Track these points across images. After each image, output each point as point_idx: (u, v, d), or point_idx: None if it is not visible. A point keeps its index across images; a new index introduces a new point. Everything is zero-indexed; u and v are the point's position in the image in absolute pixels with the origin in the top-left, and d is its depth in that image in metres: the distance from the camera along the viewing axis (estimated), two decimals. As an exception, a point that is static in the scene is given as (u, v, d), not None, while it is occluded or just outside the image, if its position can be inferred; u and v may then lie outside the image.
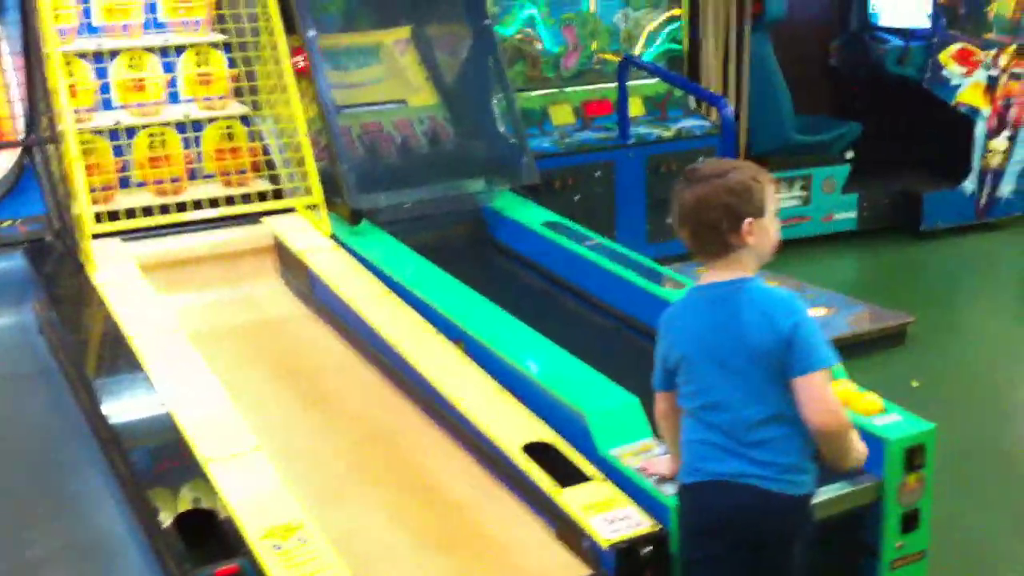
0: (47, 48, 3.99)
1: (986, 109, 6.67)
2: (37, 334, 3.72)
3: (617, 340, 3.80)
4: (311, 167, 4.25)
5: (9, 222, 4.22)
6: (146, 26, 4.72)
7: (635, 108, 5.93)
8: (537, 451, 2.83)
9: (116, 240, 4.09)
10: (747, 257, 2.29)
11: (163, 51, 4.67)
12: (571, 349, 3.29)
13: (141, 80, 4.62)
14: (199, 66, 4.74)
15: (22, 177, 4.30)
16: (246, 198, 4.46)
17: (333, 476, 2.94)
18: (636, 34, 6.06)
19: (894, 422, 2.98)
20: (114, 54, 4.58)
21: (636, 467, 2.74)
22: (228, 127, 4.67)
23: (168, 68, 4.69)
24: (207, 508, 2.57)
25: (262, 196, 4.42)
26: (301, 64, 4.56)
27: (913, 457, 2.92)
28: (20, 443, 3.12)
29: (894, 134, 7.04)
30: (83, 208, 3.87)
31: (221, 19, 4.71)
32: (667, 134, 5.84)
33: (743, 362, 2.23)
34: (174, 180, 4.49)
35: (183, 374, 3.14)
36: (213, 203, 4.35)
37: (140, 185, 4.49)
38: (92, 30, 4.61)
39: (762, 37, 6.30)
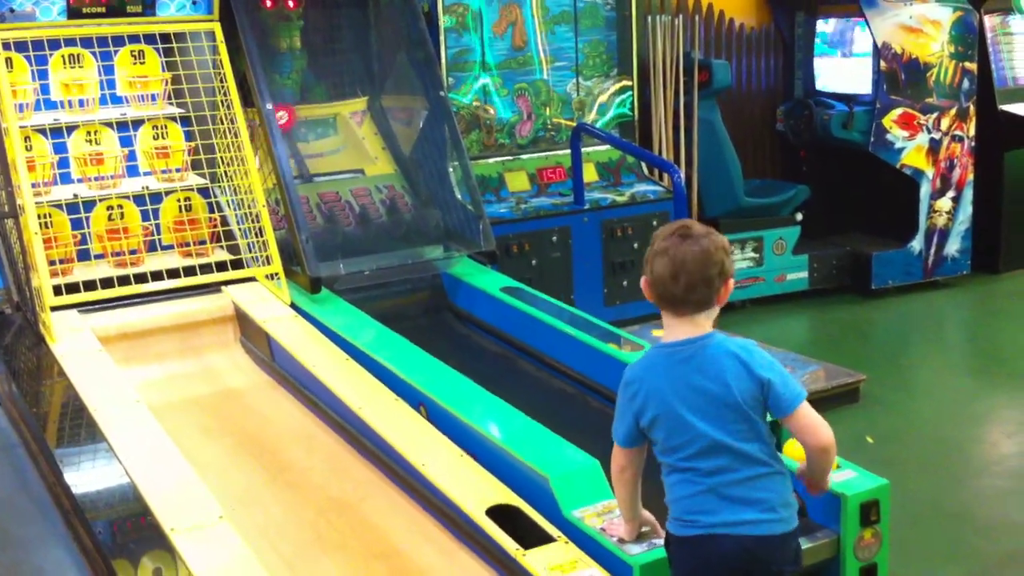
0: (5, 123, 4.02)
1: (930, 171, 6.86)
2: (-3, 408, 3.71)
3: (576, 403, 3.85)
4: (270, 236, 4.29)
5: (-36, 295, 4.21)
6: (103, 101, 4.77)
7: (589, 174, 6.03)
8: (501, 514, 2.86)
9: (74, 312, 4.09)
10: (713, 314, 2.41)
11: (121, 125, 4.71)
12: (530, 412, 3.33)
13: (99, 154, 4.65)
14: (156, 139, 4.79)
15: (-21, 250, 4.30)
16: (206, 268, 4.48)
17: (298, 545, 2.95)
18: (588, 102, 6.19)
19: (849, 478, 3.05)
20: (72, 128, 4.61)
21: (598, 528, 2.78)
22: (186, 199, 4.71)
23: (127, 142, 4.72)
24: (171, 580, 2.57)
25: (222, 266, 4.44)
26: (285, 119, 4.64)
27: (869, 512, 2.99)
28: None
29: (842, 196, 7.20)
30: (42, 281, 3.88)
31: (178, 93, 4.77)
32: (621, 199, 5.95)
33: (726, 409, 2.34)
34: (132, 252, 4.50)
35: (145, 445, 3.14)
36: (172, 274, 4.37)
37: (99, 257, 4.50)
38: (49, 105, 4.65)
39: (710, 104, 6.45)
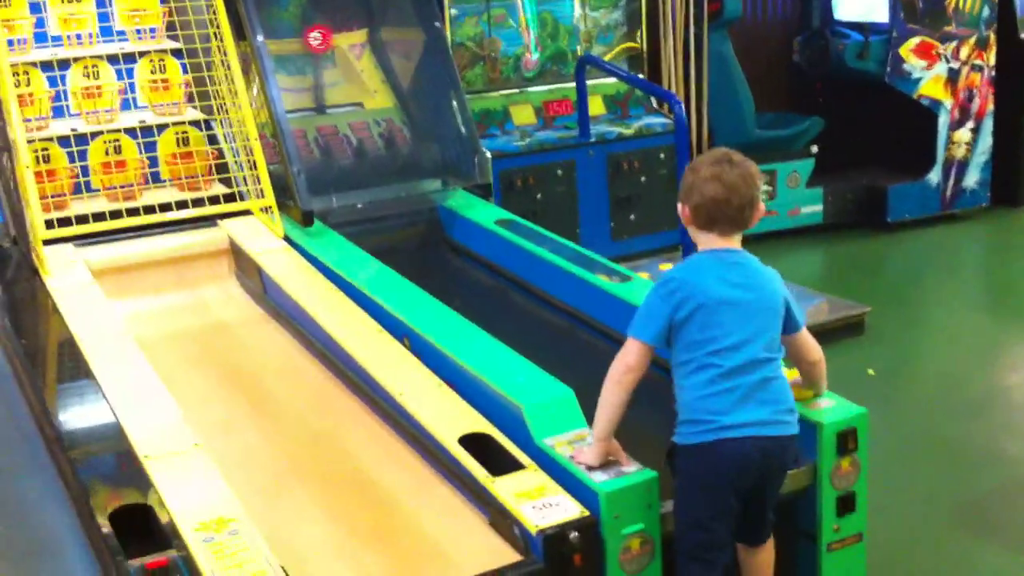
0: (-1, 59, 4.04)
1: (948, 101, 6.73)
2: (-8, 339, 3.75)
3: (563, 335, 3.84)
4: (262, 170, 4.28)
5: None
6: (104, 34, 4.77)
7: (596, 107, 5.97)
8: (473, 442, 2.87)
9: (69, 246, 4.12)
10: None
11: (119, 59, 4.71)
12: (516, 344, 3.33)
13: (96, 88, 4.65)
14: (154, 73, 4.78)
15: (-23, 185, 4.33)
16: (202, 202, 4.49)
17: (273, 473, 2.98)
18: (595, 33, 6.10)
19: (827, 407, 3.02)
20: (67, 63, 4.61)
21: (567, 455, 2.78)
22: (183, 132, 4.70)
23: (125, 76, 4.72)
24: (143, 503, 2.61)
25: (218, 200, 4.45)
26: (319, 41, 4.65)
27: (846, 441, 2.97)
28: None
29: (858, 129, 7.09)
30: (34, 215, 3.91)
31: (176, 26, 4.75)
32: (628, 132, 5.88)
33: (761, 311, 2.56)
34: (129, 186, 4.52)
35: (129, 377, 3.17)
36: (168, 207, 4.39)
37: (96, 191, 4.52)
38: (48, 39, 4.65)
39: (721, 35, 6.34)
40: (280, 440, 3.15)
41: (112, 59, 4.69)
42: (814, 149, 6.71)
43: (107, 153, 4.57)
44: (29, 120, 4.46)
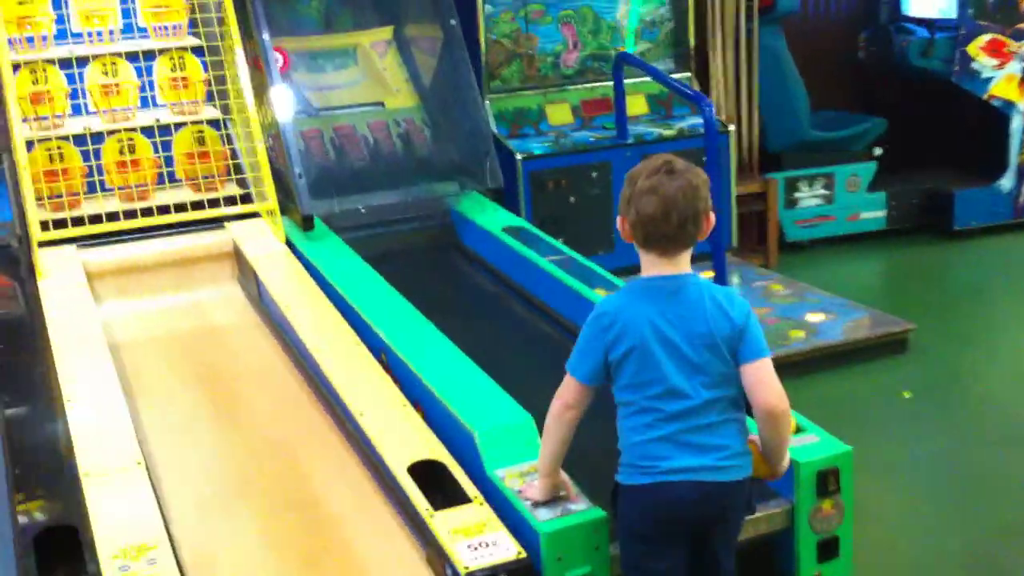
0: None
1: (1021, 103, 6.32)
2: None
3: (555, 348, 3.65)
4: (265, 172, 4.20)
5: (-29, 229, 4.27)
6: (125, 31, 4.74)
7: (639, 107, 5.76)
8: (424, 470, 2.73)
9: (72, 247, 4.10)
10: (690, 252, 2.35)
11: (139, 56, 4.67)
12: (505, 357, 3.22)
13: (115, 85, 4.62)
14: (173, 71, 4.73)
15: (-9, 184, 4.34)
16: (214, 204, 4.43)
17: (220, 486, 2.90)
18: (639, 30, 5.87)
19: (809, 443, 2.82)
20: (86, 61, 4.59)
21: (515, 490, 2.62)
22: (199, 132, 4.65)
23: (143, 73, 4.69)
24: (69, 524, 2.54)
25: (227, 202, 4.38)
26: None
27: (826, 481, 2.76)
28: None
29: (923, 130, 6.71)
30: (29, 215, 3.89)
31: (196, 23, 4.70)
32: (668, 133, 5.65)
33: (700, 351, 2.28)
34: (141, 185, 4.49)
35: (92, 387, 3.13)
36: (179, 208, 4.34)
37: (109, 191, 4.49)
38: (71, 35, 4.64)
39: (773, 30, 6.06)
40: (236, 450, 3.07)
41: (131, 56, 4.66)
42: (877, 151, 6.39)
43: (121, 152, 4.54)
44: (46, 118, 4.47)
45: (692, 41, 5.93)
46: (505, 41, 5.59)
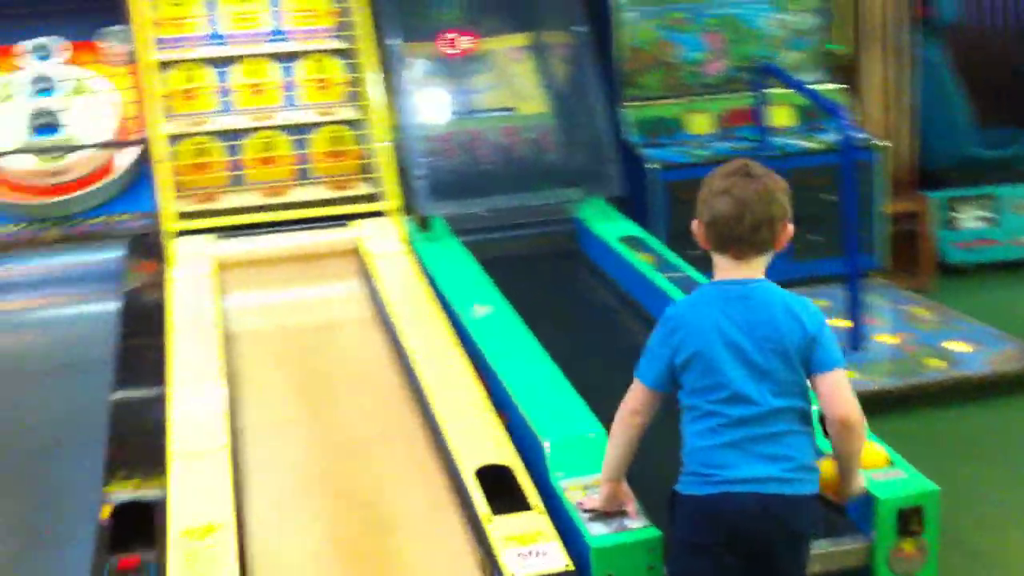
0: (142, 57, 4.27)
1: None
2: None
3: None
4: (388, 172, 4.31)
5: (126, 216, 4.53)
6: (272, 33, 4.95)
7: (786, 118, 5.60)
8: (491, 475, 2.75)
9: (205, 238, 4.30)
10: (769, 260, 2.32)
11: (285, 58, 4.87)
12: (603, 369, 3.19)
13: (259, 85, 4.84)
14: (315, 73, 4.91)
15: (141, 174, 4.60)
16: (346, 201, 4.57)
17: (296, 481, 2.98)
18: (788, 39, 5.72)
19: (893, 479, 2.71)
20: (233, 61, 4.81)
21: (576, 501, 2.61)
22: (336, 132, 4.80)
23: (288, 74, 4.88)
24: (148, 501, 2.68)
25: (363, 200, 4.52)
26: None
27: (908, 520, 2.64)
28: (41, 431, 3.36)
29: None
30: (164, 206, 4.11)
31: (342, 26, 4.86)
32: (815, 146, 5.47)
33: (769, 357, 2.23)
34: (278, 182, 4.67)
35: (196, 372, 3.29)
36: (312, 205, 4.52)
37: (248, 186, 4.69)
38: (219, 37, 4.88)
39: (934, 41, 5.79)
40: (323, 446, 3.16)
41: (276, 57, 4.86)
42: (1049, 173, 6.02)
43: (261, 149, 4.75)
44: (194, 115, 4.72)
45: (845, 51, 5.73)
46: (646, 48, 5.54)
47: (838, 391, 2.24)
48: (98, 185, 4.57)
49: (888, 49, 5.78)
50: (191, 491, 2.70)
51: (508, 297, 3.63)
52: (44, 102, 4.68)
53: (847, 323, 4.68)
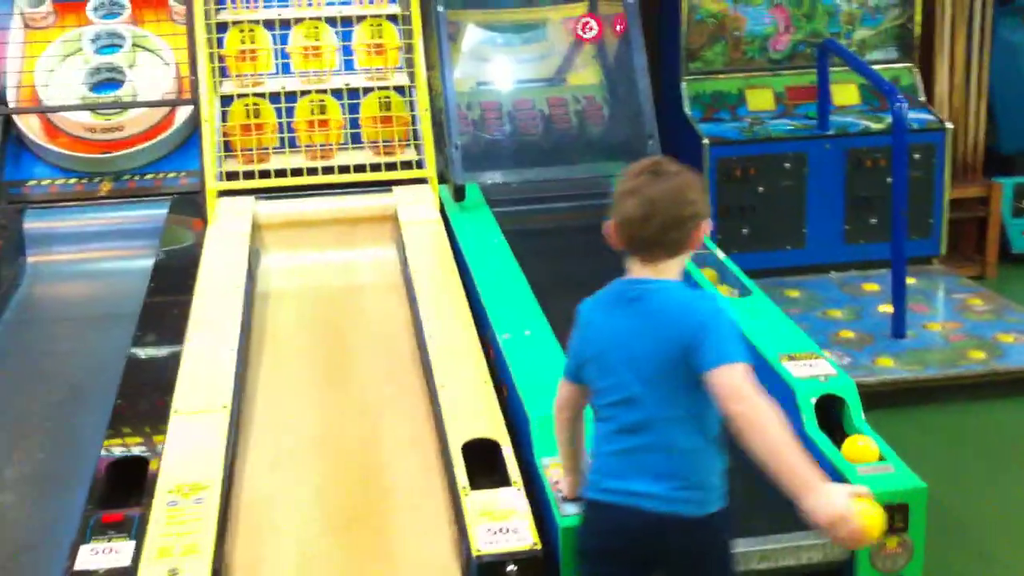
0: (196, 16, 4.36)
1: None
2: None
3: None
4: (427, 140, 4.34)
5: (174, 174, 4.65)
6: (333, -1, 5.01)
7: (849, 97, 5.47)
8: (479, 449, 2.78)
9: (250, 198, 4.39)
10: (684, 261, 2.21)
11: (344, 21, 4.92)
12: None
13: (315, 48, 4.89)
14: (371, 37, 4.95)
15: (194, 133, 4.70)
16: (391, 167, 4.62)
17: (297, 442, 3.05)
18: (859, 15, 5.55)
19: (880, 474, 2.65)
20: (288, 23, 4.88)
21: (553, 480, 2.62)
22: (386, 97, 4.84)
23: (345, 37, 4.93)
24: (143, 456, 2.77)
25: (407, 166, 4.55)
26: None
27: (892, 517, 2.57)
28: (71, 378, 3.49)
29: None
30: (205, 166, 4.21)
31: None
32: (877, 126, 5.32)
33: (654, 361, 2.12)
34: (326, 145, 4.73)
35: (213, 330, 3.38)
36: (357, 169, 4.57)
37: (297, 148, 4.76)
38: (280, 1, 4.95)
39: (1012, 22, 5.56)
40: (329, 409, 3.22)
41: (334, 21, 4.91)
42: None
43: (312, 112, 4.81)
44: (249, 76, 4.80)
45: (918, 30, 5.54)
46: (710, 21, 5.44)
47: (726, 386, 2.02)
48: (152, 142, 4.68)
49: (963, 27, 5.57)
50: (185, 449, 2.78)
51: (535, 270, 3.63)
52: (107, 58, 4.82)
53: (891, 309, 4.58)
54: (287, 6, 4.95)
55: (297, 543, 2.63)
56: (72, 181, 4.62)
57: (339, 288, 4.06)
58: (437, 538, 2.63)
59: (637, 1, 4.63)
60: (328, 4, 4.97)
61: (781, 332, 3.25)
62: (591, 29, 4.67)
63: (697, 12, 5.39)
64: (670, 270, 2.18)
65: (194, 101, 4.45)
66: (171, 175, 4.66)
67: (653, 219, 2.11)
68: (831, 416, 2.93)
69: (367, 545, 2.63)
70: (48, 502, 2.99)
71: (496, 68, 4.85)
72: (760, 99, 5.48)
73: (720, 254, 3.87)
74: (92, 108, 4.65)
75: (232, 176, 4.49)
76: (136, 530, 2.49)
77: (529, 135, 4.59)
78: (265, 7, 4.92)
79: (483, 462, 2.75)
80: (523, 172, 4.39)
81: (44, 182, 4.60)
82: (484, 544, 2.44)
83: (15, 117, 4.65)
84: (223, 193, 4.39)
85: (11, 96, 4.69)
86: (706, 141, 5.12)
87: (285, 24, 4.88)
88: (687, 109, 5.34)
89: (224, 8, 4.86)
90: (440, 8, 4.42)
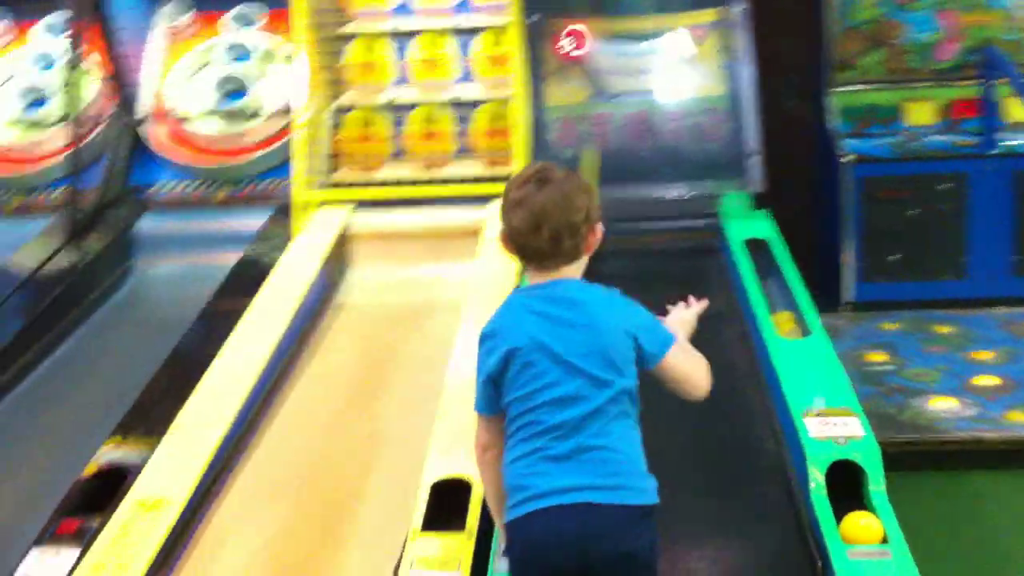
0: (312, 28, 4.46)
1: None
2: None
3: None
4: (519, 152, 4.22)
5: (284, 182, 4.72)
6: (460, 6, 4.95)
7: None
8: (450, 488, 2.63)
9: (346, 209, 4.39)
10: (583, 266, 2.12)
11: (465, 32, 4.86)
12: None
13: (433, 59, 4.85)
14: (492, 47, 4.85)
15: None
16: (500, 180, 4.51)
17: (283, 468, 3.01)
18: (1042, 20, 4.93)
19: (872, 560, 2.29)
20: (410, 35, 4.86)
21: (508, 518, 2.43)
22: (501, 108, 4.73)
23: (465, 50, 4.87)
24: (124, 465, 2.81)
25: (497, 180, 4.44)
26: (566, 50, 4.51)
27: (878, 612, 2.23)
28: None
29: None
30: (296, 176, 4.26)
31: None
32: (1050, 146, 4.72)
33: (585, 355, 2.01)
34: (436, 157, 4.68)
35: (254, 343, 3.38)
36: (461, 181, 4.51)
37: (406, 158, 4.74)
38: (405, 9, 4.95)
39: None
40: (329, 435, 3.18)
41: (457, 32, 4.86)
42: None
43: (425, 123, 4.77)
44: (366, 87, 4.83)
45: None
46: (864, 28, 4.98)
47: (676, 376, 2.08)
48: (269, 150, 4.80)
49: None
50: (165, 464, 2.78)
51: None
52: (236, 68, 4.98)
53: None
54: (411, 14, 4.94)
55: (232, 570, 2.58)
56: (192, 186, 4.79)
57: (406, 305, 4.00)
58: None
59: (746, 7, 4.28)
60: (455, 12, 4.92)
61: (823, 382, 2.89)
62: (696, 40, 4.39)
63: (849, 18, 4.95)
64: (570, 275, 2.09)
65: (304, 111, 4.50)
66: (285, 182, 4.74)
67: (542, 229, 2.02)
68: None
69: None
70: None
71: (613, 79, 4.63)
72: (920, 113, 4.96)
73: (794, 280, 3.52)
74: (221, 116, 4.79)
75: (338, 185, 4.53)
76: (86, 541, 2.51)
77: (622, 150, 4.36)
78: (393, 13, 4.93)
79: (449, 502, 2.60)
80: (610, 189, 4.15)
81: (167, 187, 4.80)
82: (404, 592, 2.30)
83: (145, 124, 4.88)
84: (325, 202, 4.42)
85: (144, 105, 4.92)
86: (844, 160, 4.69)
87: (408, 36, 4.87)
88: (833, 123, 4.91)
89: (348, 20, 4.90)
90: (531, 18, 4.28)
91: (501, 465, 2.12)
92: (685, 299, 2.32)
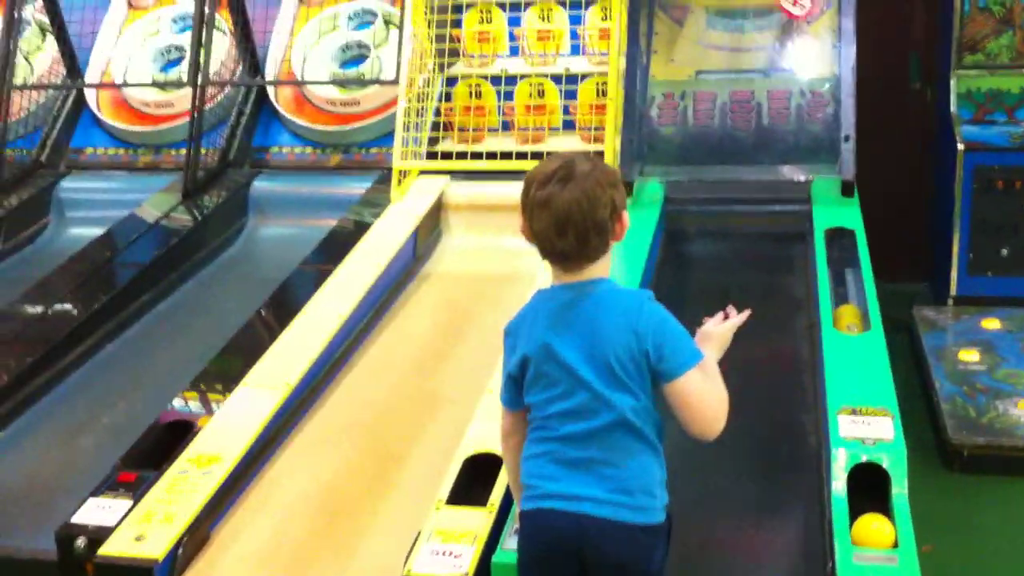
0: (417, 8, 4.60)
1: None
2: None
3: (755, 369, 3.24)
4: (609, 129, 4.25)
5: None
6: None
7: None
8: (484, 463, 2.74)
9: (445, 178, 4.51)
10: (609, 259, 2.09)
11: (575, 4, 4.87)
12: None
13: (545, 31, 4.89)
14: (603, 20, 4.86)
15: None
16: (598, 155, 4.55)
17: (348, 425, 3.16)
18: None
19: (876, 565, 2.30)
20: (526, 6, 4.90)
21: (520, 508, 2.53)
22: (603, 83, 4.74)
23: (576, 21, 4.89)
24: (188, 420, 3.02)
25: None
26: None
27: (876, 615, 2.24)
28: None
29: None
30: (396, 146, 4.40)
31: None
32: None
33: (591, 367, 2.03)
34: (538, 129, 4.74)
35: (332, 307, 3.55)
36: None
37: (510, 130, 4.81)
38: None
39: None
40: (384, 394, 3.33)
41: (567, 3, 4.88)
42: None
43: (530, 96, 4.82)
44: (480, 56, 4.91)
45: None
46: (996, 9, 4.75)
47: (684, 403, 1.99)
48: (381, 117, 4.95)
49: None
50: (227, 420, 2.98)
51: (688, 278, 3.51)
52: (359, 34, 5.14)
53: None
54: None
55: (274, 524, 2.75)
56: (308, 150, 5.00)
57: (492, 275, 4.09)
58: (400, 548, 2.62)
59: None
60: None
61: (866, 380, 2.85)
62: (801, 6, 4.26)
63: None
64: (597, 271, 2.07)
65: (396, 80, 4.62)
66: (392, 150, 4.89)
67: (568, 232, 1.99)
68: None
69: (336, 539, 2.69)
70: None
71: (717, 57, 4.58)
72: (1047, 101, 4.73)
73: (867, 273, 3.45)
74: (337, 83, 4.96)
75: (446, 156, 4.64)
76: (140, 492, 2.72)
77: (716, 130, 4.32)
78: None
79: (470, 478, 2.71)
80: (698, 171, 4.15)
81: (284, 150, 5.02)
82: (419, 564, 2.43)
83: (269, 88, 5.09)
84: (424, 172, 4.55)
85: (270, 69, 5.14)
86: (961, 147, 4.52)
87: (519, 7, 4.92)
88: (953, 108, 4.73)
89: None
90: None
91: (519, 453, 2.21)
92: (730, 308, 2.26)
